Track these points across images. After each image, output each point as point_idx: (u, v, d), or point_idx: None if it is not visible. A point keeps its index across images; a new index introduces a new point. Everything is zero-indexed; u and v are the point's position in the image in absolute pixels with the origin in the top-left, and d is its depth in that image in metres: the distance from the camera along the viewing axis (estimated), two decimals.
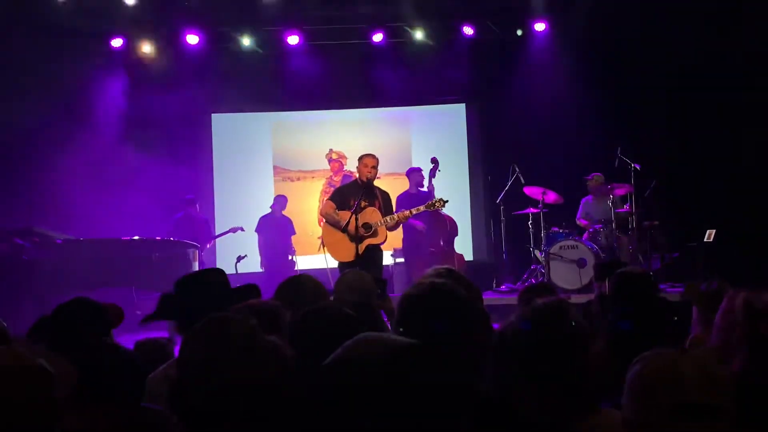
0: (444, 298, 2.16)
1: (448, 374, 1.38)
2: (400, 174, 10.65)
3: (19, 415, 1.43)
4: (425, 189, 8.63)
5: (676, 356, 1.66)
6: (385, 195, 6.82)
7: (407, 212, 6.78)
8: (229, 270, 8.82)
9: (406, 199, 8.21)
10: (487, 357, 2.18)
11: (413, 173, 8.85)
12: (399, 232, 8.04)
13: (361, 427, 1.31)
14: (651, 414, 1.61)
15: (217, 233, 9.88)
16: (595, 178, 9.01)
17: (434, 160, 8.63)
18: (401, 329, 2.10)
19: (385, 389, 1.32)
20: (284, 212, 9.91)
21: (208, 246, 9.54)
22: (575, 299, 6.36)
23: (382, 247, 6.72)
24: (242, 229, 9.66)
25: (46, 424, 1.47)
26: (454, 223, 8.70)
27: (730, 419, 1.60)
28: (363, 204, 6.52)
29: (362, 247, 6.43)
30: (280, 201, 9.90)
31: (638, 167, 8.58)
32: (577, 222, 9.13)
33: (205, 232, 9.55)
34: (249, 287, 2.83)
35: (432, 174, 8.62)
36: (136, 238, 8.25)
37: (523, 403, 1.96)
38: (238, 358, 1.61)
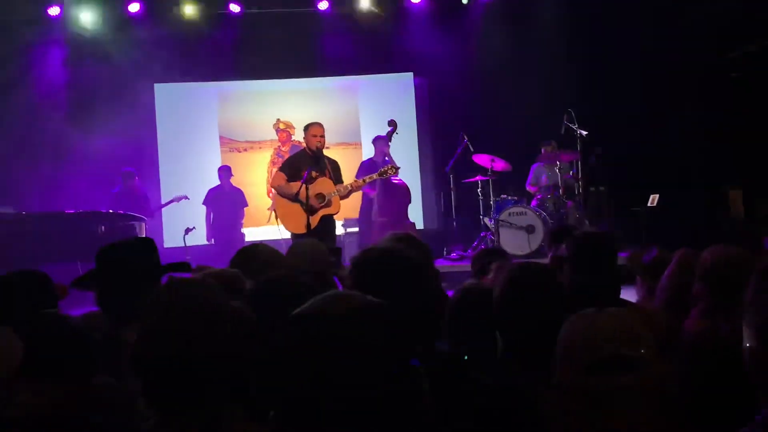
0: (394, 261, 2.14)
1: (405, 332, 1.40)
2: (349, 143, 10.59)
3: None
4: (382, 156, 8.53)
5: (595, 315, 1.68)
6: (334, 164, 6.74)
7: (360, 181, 6.73)
8: (177, 242, 8.73)
9: (369, 167, 8.13)
10: (437, 320, 2.19)
11: (377, 140, 8.74)
12: (351, 201, 7.97)
13: (321, 378, 1.32)
14: (571, 372, 1.61)
15: (161, 204, 9.66)
16: (552, 144, 9.06)
17: (392, 123, 8.31)
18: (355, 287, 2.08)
19: (345, 343, 1.34)
20: (234, 183, 9.74)
21: (152, 219, 9.28)
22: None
23: (334, 217, 6.66)
24: (186, 197, 9.40)
25: None
26: (408, 190, 8.61)
27: (650, 371, 1.59)
28: (314, 174, 6.43)
29: (316, 218, 6.35)
30: (226, 171, 9.71)
31: (584, 134, 8.66)
32: (527, 188, 9.19)
33: (145, 206, 9.30)
34: (180, 264, 2.71)
35: (389, 138, 8.44)
36: (80, 211, 8.02)
37: (484, 363, 1.97)
38: (201, 321, 1.58)
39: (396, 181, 8.03)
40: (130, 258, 2.54)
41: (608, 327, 1.62)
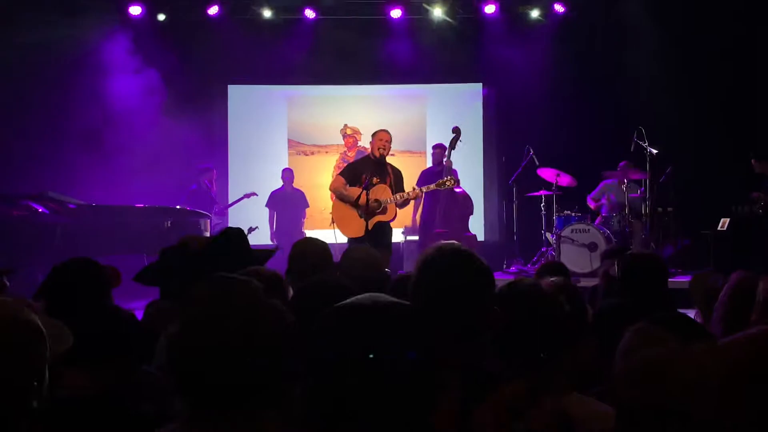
0: (463, 261, 2.14)
1: (437, 341, 1.41)
2: (414, 152, 10.65)
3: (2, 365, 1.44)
4: (442, 165, 8.54)
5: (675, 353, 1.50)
6: (397, 172, 6.77)
7: (417, 190, 6.77)
8: None
9: (430, 176, 8.17)
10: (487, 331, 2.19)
11: (436, 149, 8.79)
12: (411, 209, 8.02)
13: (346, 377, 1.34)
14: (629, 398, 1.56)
15: (230, 202, 10.00)
16: (627, 164, 8.87)
17: (455, 130, 8.19)
18: (416, 290, 2.10)
19: (368, 336, 1.35)
20: (297, 185, 9.95)
21: (219, 216, 9.58)
22: (584, 282, 6.35)
23: (392, 224, 6.71)
24: (255, 194, 9.75)
25: (32, 378, 1.48)
26: (469, 201, 8.58)
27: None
28: (374, 180, 6.50)
29: (371, 223, 6.42)
30: (288, 173, 9.95)
31: (655, 152, 8.50)
32: (588, 202, 9.03)
33: (214, 205, 9.61)
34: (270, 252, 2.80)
35: (452, 145, 8.31)
36: (149, 205, 8.30)
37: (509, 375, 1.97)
38: (239, 318, 1.59)
39: (458, 191, 8.03)
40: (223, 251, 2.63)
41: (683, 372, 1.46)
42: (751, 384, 1.44)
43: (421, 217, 8.54)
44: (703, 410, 1.40)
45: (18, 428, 1.45)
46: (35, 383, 1.47)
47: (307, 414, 1.48)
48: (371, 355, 1.33)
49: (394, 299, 1.43)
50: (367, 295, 1.45)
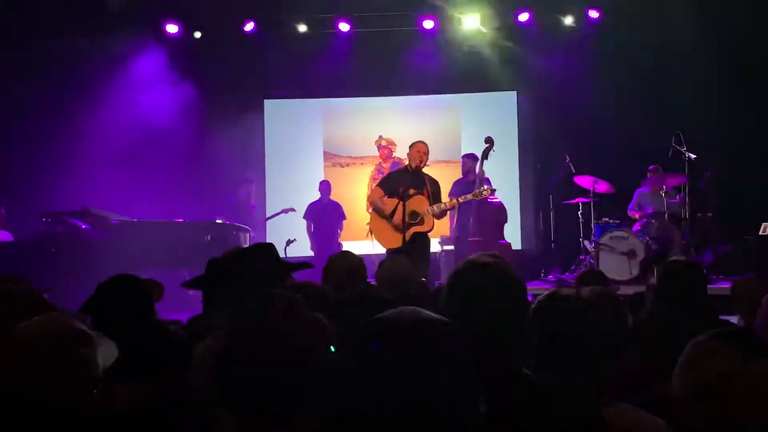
0: (496, 274, 2.15)
1: (476, 353, 1.41)
2: (449, 161, 10.64)
3: (58, 377, 1.47)
4: (475, 175, 8.52)
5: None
6: (434, 183, 6.78)
7: (454, 201, 6.76)
8: (279, 254, 9.00)
9: (462, 186, 8.18)
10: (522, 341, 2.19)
11: (467, 159, 8.79)
12: (449, 219, 8.01)
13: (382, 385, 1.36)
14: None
15: (268, 216, 10.10)
16: (657, 168, 8.82)
17: (488, 140, 8.13)
18: (448, 303, 2.11)
19: (410, 349, 1.37)
20: (333, 197, 10.01)
21: (256, 230, 9.68)
22: (624, 290, 6.27)
23: (429, 234, 6.71)
24: (293, 210, 9.84)
25: (86, 389, 1.51)
26: (504, 210, 8.57)
27: None
28: (411, 192, 6.52)
29: (409, 234, 6.43)
30: (325, 185, 10.01)
31: (693, 157, 8.40)
32: (629, 213, 8.98)
33: (253, 217, 9.74)
34: (303, 264, 2.84)
35: (485, 155, 8.23)
36: (189, 220, 8.41)
37: (552, 384, 1.96)
38: (285, 332, 1.61)
39: (492, 200, 8.00)
40: (251, 262, 2.66)
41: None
42: None
43: (456, 227, 8.54)
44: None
45: None
46: (92, 390, 1.50)
47: (348, 424, 1.50)
48: (409, 370, 1.34)
49: (433, 315, 1.44)
50: (406, 309, 1.47)
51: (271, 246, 2.79)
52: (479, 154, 8.30)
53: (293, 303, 1.71)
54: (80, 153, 9.69)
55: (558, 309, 2.18)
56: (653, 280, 3.28)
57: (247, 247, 2.78)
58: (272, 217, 10.04)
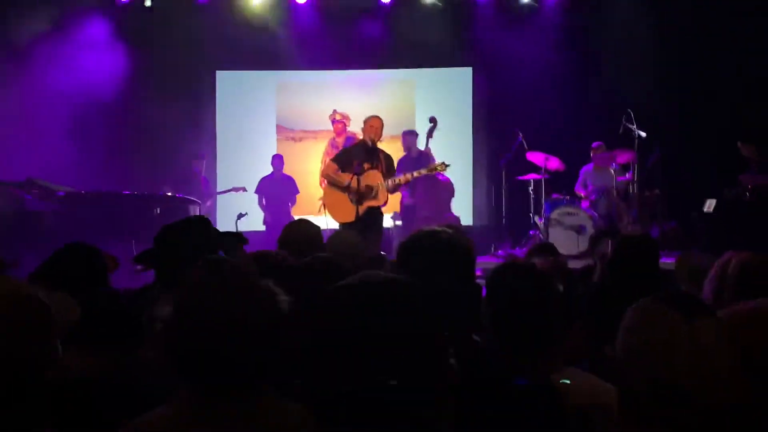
0: (440, 243, 2.20)
1: (441, 314, 1.43)
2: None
3: (13, 342, 1.46)
4: (417, 151, 8.62)
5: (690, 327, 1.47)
6: (389, 158, 6.85)
7: (408, 175, 6.79)
8: (229, 227, 8.93)
9: (408, 162, 8.22)
10: (476, 309, 2.24)
11: (407, 135, 8.85)
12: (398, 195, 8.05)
13: (359, 351, 1.35)
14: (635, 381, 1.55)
15: (219, 190, 10.00)
16: (600, 146, 9.02)
17: (432, 120, 8.53)
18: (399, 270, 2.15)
19: (383, 312, 1.37)
20: (286, 171, 9.95)
21: (208, 203, 9.60)
22: (572, 264, 6.39)
23: (383, 209, 6.76)
24: (244, 190, 9.76)
25: (43, 354, 1.50)
26: (451, 185, 8.69)
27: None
28: (366, 166, 6.54)
29: (362, 208, 6.46)
30: (278, 159, 9.96)
31: (643, 135, 8.57)
32: (576, 192, 9.14)
33: (205, 190, 9.64)
34: (235, 234, 2.82)
35: (429, 133, 8.53)
36: (137, 192, 8.29)
37: (505, 351, 2.02)
38: (232, 298, 1.61)
39: (440, 176, 8.07)
40: (188, 234, 2.65)
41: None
42: (757, 358, 1.47)
43: (403, 201, 8.61)
44: (708, 388, 1.43)
45: (35, 400, 1.48)
46: (48, 355, 1.49)
47: (311, 392, 1.51)
48: (382, 330, 1.35)
49: (394, 275, 1.46)
50: (369, 272, 1.49)
51: (203, 220, 2.76)
52: (422, 132, 8.51)
53: (239, 270, 1.72)
54: (23, 122, 9.45)
55: (511, 278, 2.23)
56: (605, 251, 3.37)
57: (179, 222, 2.73)
58: (222, 192, 9.96)
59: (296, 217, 9.49)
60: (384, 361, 1.34)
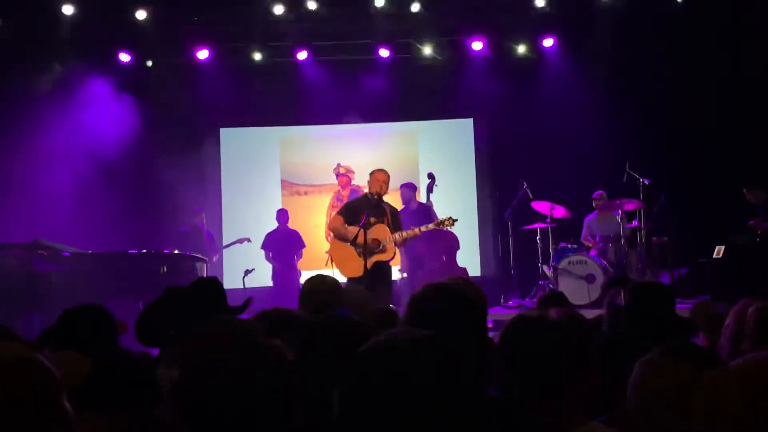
0: (451, 297, 2.19)
1: (461, 368, 1.40)
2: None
3: (16, 410, 1.45)
4: (417, 204, 8.65)
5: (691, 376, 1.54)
6: (394, 211, 6.89)
7: (416, 230, 6.79)
8: (236, 284, 8.94)
9: (408, 216, 8.21)
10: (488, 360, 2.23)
11: (403, 189, 8.85)
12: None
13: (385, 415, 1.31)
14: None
15: (223, 246, 10.03)
16: (601, 195, 9.06)
17: (430, 176, 8.66)
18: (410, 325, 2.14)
19: (407, 377, 1.32)
20: (291, 225, 9.99)
21: (214, 259, 9.60)
22: (584, 314, 6.37)
23: (390, 263, 6.77)
24: (249, 240, 9.79)
25: (49, 419, 1.50)
26: (455, 237, 8.71)
27: None
28: (372, 220, 6.57)
29: (370, 262, 6.46)
30: (283, 214, 10.00)
31: (647, 182, 8.62)
32: (582, 241, 9.15)
33: (210, 246, 9.66)
34: (244, 304, 2.84)
35: (429, 189, 8.63)
36: (144, 251, 8.31)
37: (524, 406, 2.00)
38: (238, 359, 1.63)
39: (442, 230, 8.05)
40: (196, 299, 2.67)
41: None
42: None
43: (407, 254, 8.58)
44: None
45: None
46: (55, 419, 1.49)
47: None
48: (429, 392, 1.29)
49: (423, 331, 1.44)
50: (397, 330, 1.47)
51: (215, 282, 2.78)
52: (420, 185, 8.54)
53: (245, 329, 1.73)
54: (30, 184, 9.54)
55: (525, 331, 2.22)
56: (617, 300, 3.37)
57: (188, 287, 2.75)
58: (227, 246, 9.96)
59: (303, 272, 9.68)
60: (433, 425, 1.30)
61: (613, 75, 10.01)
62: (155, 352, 2.73)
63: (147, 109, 10.12)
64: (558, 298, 3.97)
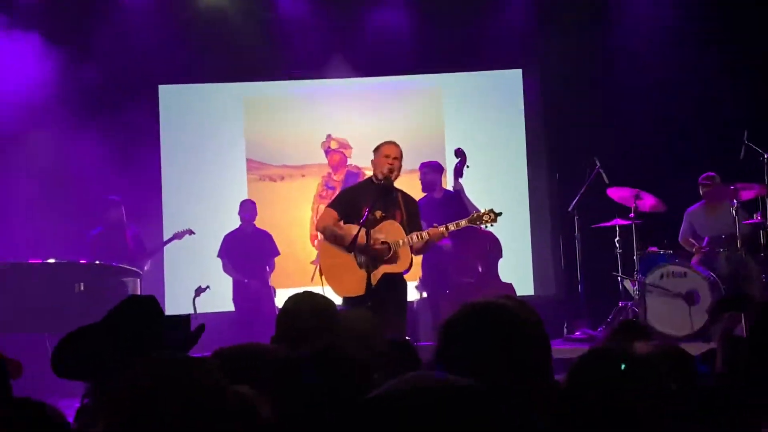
0: (500, 323, 2.18)
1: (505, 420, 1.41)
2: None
3: None
4: (443, 192, 8.68)
5: None
6: (411, 203, 6.82)
7: (442, 228, 6.70)
8: (184, 307, 8.93)
9: (432, 208, 8.18)
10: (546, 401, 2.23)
11: (423, 170, 8.83)
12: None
13: None
14: None
15: (163, 241, 9.92)
16: (710, 179, 9.00)
17: (459, 153, 8.73)
18: (440, 363, 2.14)
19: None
20: (259, 224, 9.96)
21: (145, 268, 9.51)
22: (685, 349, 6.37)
23: (405, 276, 6.75)
24: (192, 232, 9.70)
25: None
26: (496, 240, 8.70)
27: None
28: (378, 214, 6.55)
29: (376, 275, 6.44)
30: (248, 208, 9.93)
31: None
32: (681, 242, 9.13)
33: (137, 248, 9.57)
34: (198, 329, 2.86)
35: (458, 172, 8.67)
36: (51, 261, 8.31)
37: None
38: (185, 418, 1.68)
39: (480, 229, 8.02)
40: (124, 329, 2.68)
41: None
42: None
43: (429, 263, 8.56)
44: None
45: None
46: None
47: None
48: None
49: (452, 378, 1.45)
50: (416, 375, 1.47)
51: (149, 303, 2.79)
52: (447, 166, 8.52)
53: (197, 374, 1.75)
54: None
55: (604, 373, 2.22)
56: (734, 329, 3.34)
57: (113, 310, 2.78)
58: (164, 244, 9.84)
59: (277, 290, 9.67)
60: None
61: (723, 5, 10.00)
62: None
63: (59, 58, 10.10)
64: (636, 328, 3.94)
